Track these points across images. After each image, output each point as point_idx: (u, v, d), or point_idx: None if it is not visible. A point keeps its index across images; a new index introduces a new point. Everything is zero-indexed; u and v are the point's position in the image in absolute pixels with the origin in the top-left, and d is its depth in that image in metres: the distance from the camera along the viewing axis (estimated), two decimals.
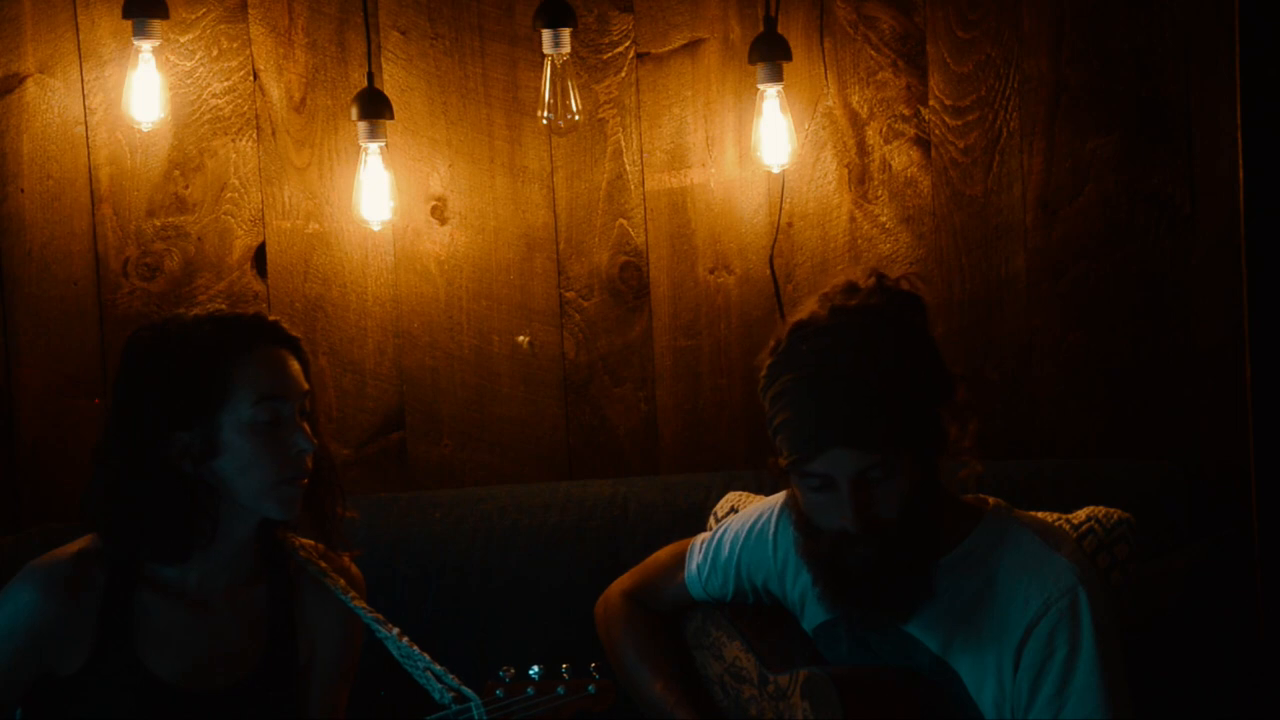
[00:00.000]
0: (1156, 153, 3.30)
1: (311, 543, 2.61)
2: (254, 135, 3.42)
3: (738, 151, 3.38)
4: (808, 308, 2.37)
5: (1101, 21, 3.30)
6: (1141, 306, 3.32)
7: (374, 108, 3.27)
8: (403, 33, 3.40)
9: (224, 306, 2.55)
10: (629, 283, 3.42)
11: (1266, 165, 3.19)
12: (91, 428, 3.34)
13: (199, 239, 3.43)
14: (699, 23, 3.39)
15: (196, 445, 2.44)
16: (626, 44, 3.40)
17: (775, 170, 3.33)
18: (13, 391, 3.42)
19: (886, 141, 3.36)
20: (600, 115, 3.40)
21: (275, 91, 3.41)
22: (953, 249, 3.37)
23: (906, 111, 3.36)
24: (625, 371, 3.43)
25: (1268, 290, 3.20)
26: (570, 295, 3.43)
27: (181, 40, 3.39)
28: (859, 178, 3.37)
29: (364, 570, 2.69)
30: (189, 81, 3.40)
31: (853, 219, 3.38)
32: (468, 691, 2.41)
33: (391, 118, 3.29)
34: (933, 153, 3.36)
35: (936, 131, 3.35)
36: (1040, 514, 2.65)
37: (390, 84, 3.39)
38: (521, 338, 3.44)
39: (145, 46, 3.29)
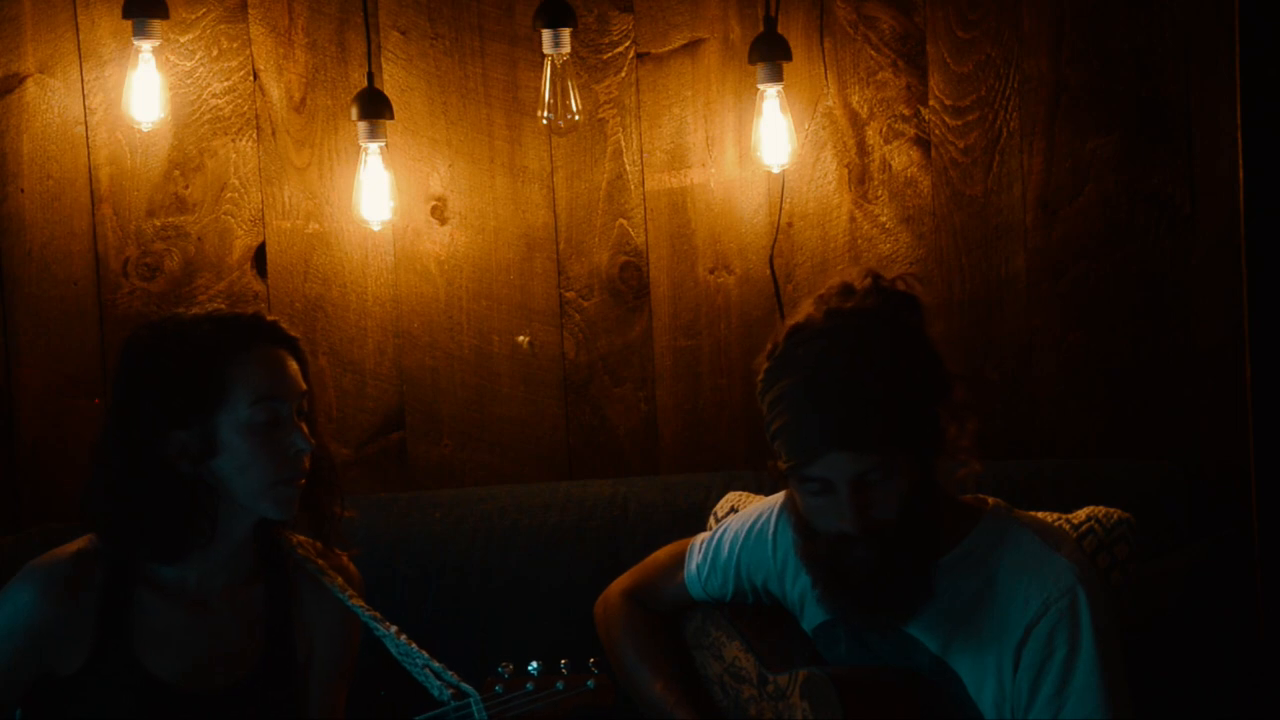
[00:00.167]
0: (1156, 153, 3.30)
1: (309, 540, 2.61)
2: (254, 135, 3.42)
3: (738, 151, 3.38)
4: (803, 311, 2.37)
5: (1101, 21, 3.30)
6: (1141, 306, 3.32)
7: (374, 108, 3.27)
8: (403, 33, 3.40)
9: (223, 306, 2.56)
10: (629, 283, 3.42)
11: (1266, 165, 3.19)
12: (92, 428, 3.31)
13: (199, 239, 3.43)
14: (699, 23, 3.39)
15: (194, 445, 2.44)
16: (626, 44, 3.40)
17: (775, 170, 3.33)
18: (13, 391, 3.42)
19: (886, 141, 3.36)
20: (600, 115, 3.40)
21: (275, 91, 3.41)
22: (953, 249, 3.36)
23: (906, 111, 3.36)
24: (625, 371, 3.43)
25: (1268, 290, 3.20)
26: (570, 295, 3.43)
27: (181, 40, 3.39)
28: (859, 178, 3.37)
29: (364, 570, 2.69)
30: (189, 81, 3.40)
31: (853, 219, 3.38)
32: (467, 688, 2.41)
33: (391, 118, 3.30)
34: (933, 153, 3.36)
35: (936, 131, 3.35)
36: (1040, 514, 2.64)
37: (390, 84, 3.39)
38: (521, 338, 3.44)
39: (145, 46, 3.29)
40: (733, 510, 2.93)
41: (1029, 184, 3.34)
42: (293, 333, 2.54)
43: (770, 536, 2.60)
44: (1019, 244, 3.35)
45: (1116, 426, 3.33)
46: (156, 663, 2.47)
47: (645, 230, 3.42)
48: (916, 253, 3.37)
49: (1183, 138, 3.29)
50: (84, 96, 3.40)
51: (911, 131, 3.36)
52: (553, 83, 3.24)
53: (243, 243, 3.43)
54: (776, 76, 3.25)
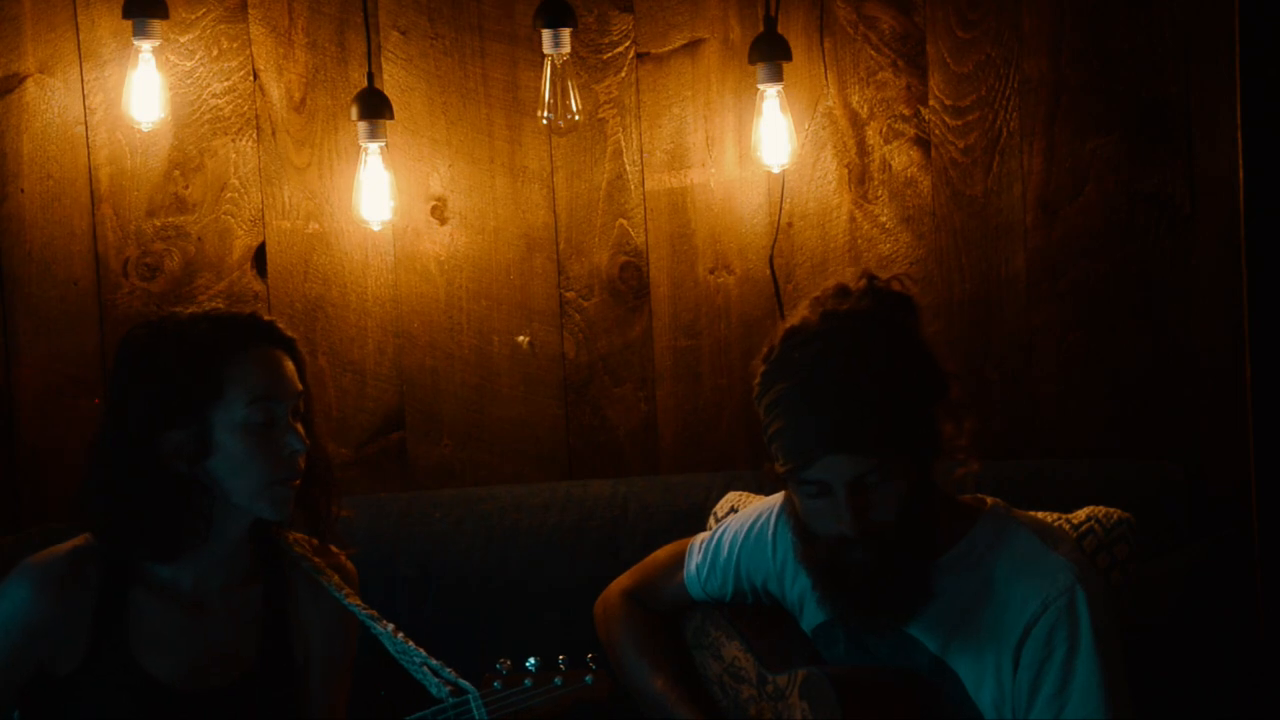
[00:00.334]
0: (1156, 153, 3.30)
1: (305, 537, 2.61)
2: (254, 135, 3.42)
3: (738, 151, 3.38)
4: (799, 313, 2.38)
5: (1101, 21, 3.30)
6: (1141, 306, 3.32)
7: (374, 108, 3.27)
8: (403, 33, 3.40)
9: (222, 306, 2.55)
10: (629, 283, 3.42)
11: (1266, 165, 3.19)
12: (92, 428, 3.32)
13: (199, 239, 3.43)
14: (699, 23, 3.39)
15: (189, 444, 2.44)
16: (626, 44, 3.40)
17: (775, 170, 3.33)
18: (13, 392, 3.43)
19: (886, 141, 3.36)
20: (600, 115, 3.40)
21: (275, 91, 3.41)
22: (953, 249, 3.36)
23: (906, 111, 3.36)
24: (625, 371, 3.43)
25: (1268, 290, 3.20)
26: (570, 295, 3.43)
27: (181, 40, 3.39)
28: (859, 178, 3.37)
29: (365, 571, 2.69)
30: (189, 81, 3.40)
31: (853, 219, 3.38)
32: (465, 684, 2.41)
33: (391, 118, 3.30)
34: (933, 153, 3.36)
35: (936, 131, 3.35)
36: (1040, 514, 2.64)
37: (390, 84, 3.39)
38: (521, 338, 3.44)
39: (145, 46, 3.29)
40: (733, 510, 2.93)
41: (1029, 184, 3.34)
42: (290, 333, 2.54)
43: (770, 537, 2.60)
44: (1019, 244, 3.35)
45: (1116, 426, 3.32)
46: (153, 663, 2.47)
47: (645, 230, 3.42)
48: (916, 253, 3.37)
49: (1183, 138, 3.29)
50: (84, 96, 3.40)
51: (911, 131, 3.36)
52: (553, 83, 3.23)
53: (243, 243, 3.44)
54: (776, 76, 3.25)
